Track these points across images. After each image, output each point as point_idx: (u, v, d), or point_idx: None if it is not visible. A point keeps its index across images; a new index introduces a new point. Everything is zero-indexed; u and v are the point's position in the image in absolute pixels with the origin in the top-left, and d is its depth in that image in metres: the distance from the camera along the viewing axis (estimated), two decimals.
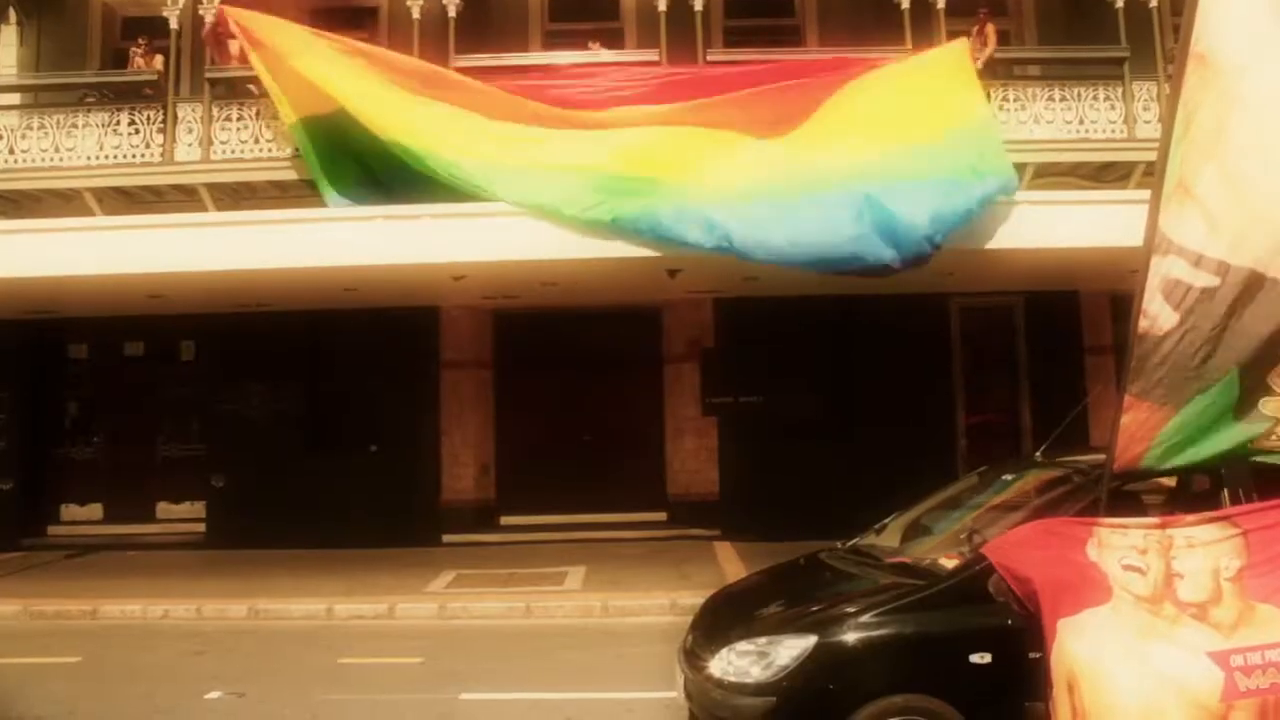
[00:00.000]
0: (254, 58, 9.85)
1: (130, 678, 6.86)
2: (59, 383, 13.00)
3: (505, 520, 12.40)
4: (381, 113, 9.37)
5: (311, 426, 12.33)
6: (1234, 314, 4.10)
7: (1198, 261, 4.08)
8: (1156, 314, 4.15)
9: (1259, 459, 4.40)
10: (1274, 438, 4.31)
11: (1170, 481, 4.91)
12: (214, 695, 6.35)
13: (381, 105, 9.41)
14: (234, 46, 10.51)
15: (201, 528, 12.25)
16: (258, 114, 10.50)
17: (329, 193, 9.86)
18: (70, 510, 12.75)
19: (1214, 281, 4.08)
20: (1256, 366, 4.16)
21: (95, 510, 12.74)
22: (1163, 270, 4.12)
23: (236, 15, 9.98)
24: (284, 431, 12.16)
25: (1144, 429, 4.26)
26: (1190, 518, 4.21)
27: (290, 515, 11.38)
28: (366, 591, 9.07)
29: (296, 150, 10.12)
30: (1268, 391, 4.20)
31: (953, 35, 10.35)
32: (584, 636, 7.77)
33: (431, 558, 10.75)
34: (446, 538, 11.80)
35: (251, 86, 10.51)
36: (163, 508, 12.73)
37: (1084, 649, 3.97)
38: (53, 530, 12.56)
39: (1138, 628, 3.99)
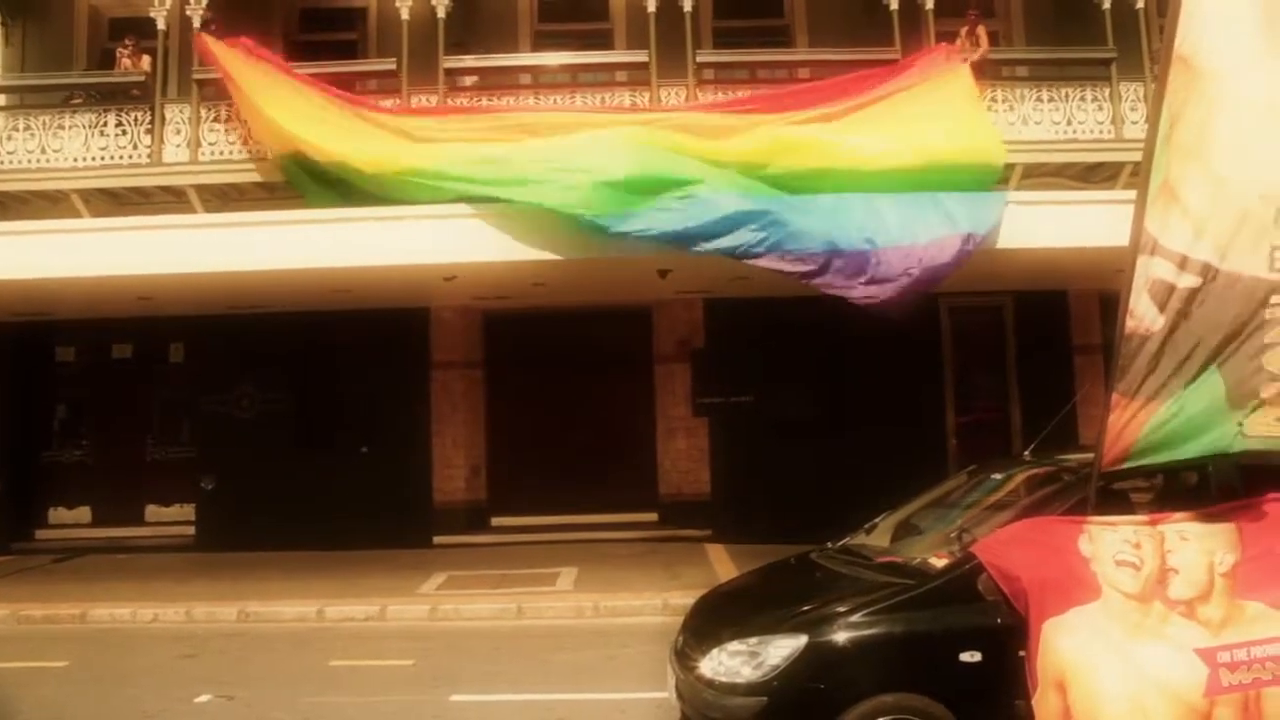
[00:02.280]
0: (232, 90, 10.03)
1: (119, 682, 6.82)
2: (47, 385, 12.91)
3: (497, 521, 12.38)
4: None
5: (302, 428, 12.28)
6: (1218, 314, 4.13)
7: (1182, 263, 4.11)
8: (1143, 314, 4.18)
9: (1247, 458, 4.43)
10: (1262, 437, 4.33)
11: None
12: (204, 698, 6.34)
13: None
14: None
15: (191, 530, 12.21)
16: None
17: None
18: (58, 514, 12.67)
19: (1197, 282, 4.12)
20: (1240, 365, 4.19)
21: (84, 513, 12.67)
22: (1148, 271, 4.15)
23: (214, 48, 10.09)
24: (274, 433, 12.12)
25: (1131, 427, 4.29)
26: (1180, 514, 4.25)
27: (281, 517, 11.34)
28: (357, 593, 9.05)
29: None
30: (1252, 390, 4.23)
31: (942, 36, 10.39)
32: (576, 637, 7.77)
33: (423, 559, 10.73)
34: (438, 539, 11.77)
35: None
36: (152, 510, 12.67)
37: (1073, 647, 3.99)
38: (41, 534, 12.47)
39: (1127, 625, 4.02)
